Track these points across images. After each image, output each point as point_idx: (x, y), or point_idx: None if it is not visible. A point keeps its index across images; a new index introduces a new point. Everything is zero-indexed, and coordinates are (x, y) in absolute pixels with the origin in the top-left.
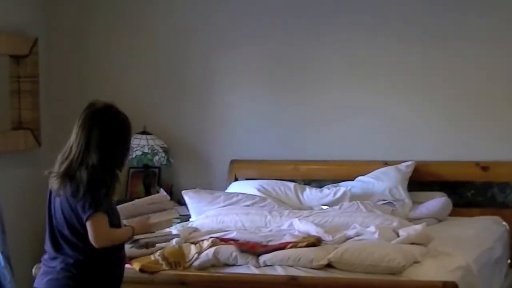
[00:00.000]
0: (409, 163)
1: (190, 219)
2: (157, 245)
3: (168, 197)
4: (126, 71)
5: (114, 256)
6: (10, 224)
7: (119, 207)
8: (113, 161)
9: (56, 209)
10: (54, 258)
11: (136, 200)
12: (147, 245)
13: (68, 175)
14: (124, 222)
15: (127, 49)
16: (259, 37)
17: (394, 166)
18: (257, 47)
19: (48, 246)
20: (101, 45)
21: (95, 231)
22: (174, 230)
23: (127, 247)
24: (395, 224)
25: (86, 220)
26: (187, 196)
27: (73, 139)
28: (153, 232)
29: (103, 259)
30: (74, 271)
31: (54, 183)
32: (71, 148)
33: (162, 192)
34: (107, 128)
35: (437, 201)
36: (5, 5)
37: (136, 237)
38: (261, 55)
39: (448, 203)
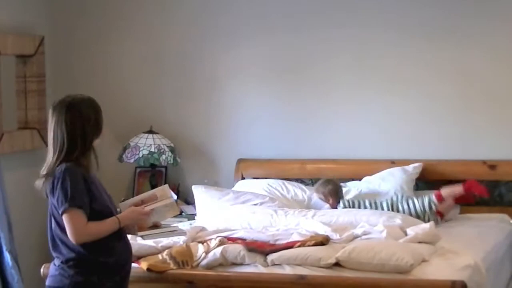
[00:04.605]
0: (416, 164)
1: (196, 217)
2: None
3: (175, 196)
4: (133, 70)
5: (110, 250)
6: (17, 224)
7: (123, 203)
8: (82, 148)
9: (50, 210)
10: (55, 257)
11: (141, 195)
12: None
13: (47, 174)
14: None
15: (133, 48)
16: (266, 36)
17: (401, 167)
18: (264, 46)
19: (49, 246)
20: (107, 44)
21: (70, 227)
22: (180, 225)
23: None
24: (398, 221)
25: (61, 216)
26: (197, 191)
27: (50, 137)
28: (155, 222)
29: (96, 255)
30: (67, 269)
31: (39, 185)
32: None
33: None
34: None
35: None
36: (11, 4)
37: (141, 233)
38: (268, 55)
39: (456, 206)
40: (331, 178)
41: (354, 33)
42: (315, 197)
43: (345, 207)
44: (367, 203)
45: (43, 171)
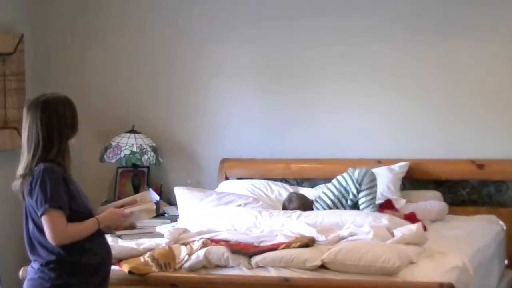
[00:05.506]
0: (402, 163)
1: (178, 219)
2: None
3: (157, 197)
4: (114, 68)
5: (89, 251)
6: None
7: (102, 208)
8: (60, 148)
9: (27, 212)
10: (33, 260)
11: (121, 200)
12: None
13: (25, 174)
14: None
15: (115, 46)
16: (249, 35)
17: (387, 166)
18: (248, 45)
19: (26, 249)
20: (88, 43)
21: (50, 228)
22: (162, 229)
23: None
24: (385, 222)
25: (41, 217)
26: (179, 192)
27: (24, 136)
28: (131, 223)
29: (76, 256)
30: (48, 272)
31: (16, 186)
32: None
33: (151, 191)
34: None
35: (433, 205)
36: None
37: (119, 232)
38: (251, 53)
39: (444, 208)
40: (290, 193)
41: (338, 31)
42: None
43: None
44: (333, 190)
45: (20, 171)
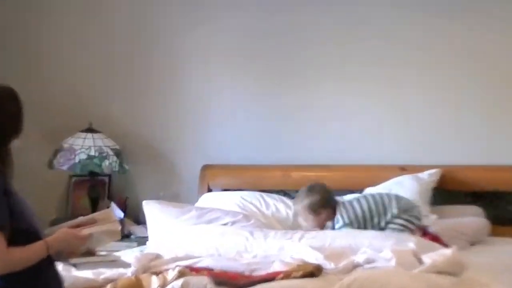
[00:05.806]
0: (433, 171)
1: (148, 241)
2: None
3: (121, 214)
4: (67, 54)
5: (34, 281)
6: None
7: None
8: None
9: None
10: None
11: (77, 219)
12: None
13: None
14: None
15: (68, 23)
16: (239, 15)
17: (414, 174)
18: (237, 26)
19: None
20: (36, 19)
21: None
22: (127, 255)
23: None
24: (411, 245)
25: None
26: (149, 207)
27: None
28: (89, 248)
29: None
30: None
31: None
32: None
33: (114, 207)
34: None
35: (471, 223)
36: None
37: (74, 261)
38: (241, 36)
39: (485, 226)
40: (315, 182)
41: (348, 9)
42: (301, 222)
43: (346, 224)
44: (370, 201)
45: None
